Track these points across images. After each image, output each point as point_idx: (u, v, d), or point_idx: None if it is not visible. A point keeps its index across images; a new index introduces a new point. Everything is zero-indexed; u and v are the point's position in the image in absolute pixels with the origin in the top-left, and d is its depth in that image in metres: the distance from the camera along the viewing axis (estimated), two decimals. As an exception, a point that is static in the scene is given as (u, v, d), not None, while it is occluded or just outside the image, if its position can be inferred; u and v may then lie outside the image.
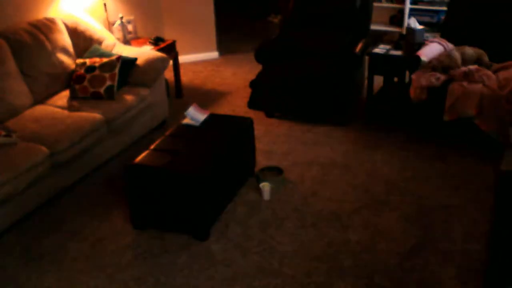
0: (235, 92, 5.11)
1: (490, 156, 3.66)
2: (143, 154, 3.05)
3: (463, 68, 3.75)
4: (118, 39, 4.60)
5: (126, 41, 4.67)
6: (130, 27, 4.88)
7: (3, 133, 3.17)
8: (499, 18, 4.05)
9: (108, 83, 3.78)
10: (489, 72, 3.67)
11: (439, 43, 4.09)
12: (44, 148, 3.16)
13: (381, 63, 4.13)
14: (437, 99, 3.71)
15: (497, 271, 2.41)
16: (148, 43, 4.74)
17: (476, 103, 3.56)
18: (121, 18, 4.71)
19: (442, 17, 5.39)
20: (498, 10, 4.07)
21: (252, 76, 5.04)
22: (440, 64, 3.79)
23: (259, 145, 3.99)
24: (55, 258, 2.88)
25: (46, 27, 3.95)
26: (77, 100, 3.80)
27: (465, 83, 3.61)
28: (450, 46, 4.15)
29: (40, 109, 3.69)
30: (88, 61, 3.91)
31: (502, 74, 3.66)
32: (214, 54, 6.20)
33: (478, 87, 3.57)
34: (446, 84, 3.67)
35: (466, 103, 3.60)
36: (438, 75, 3.75)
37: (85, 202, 3.39)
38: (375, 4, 5.80)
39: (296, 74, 4.27)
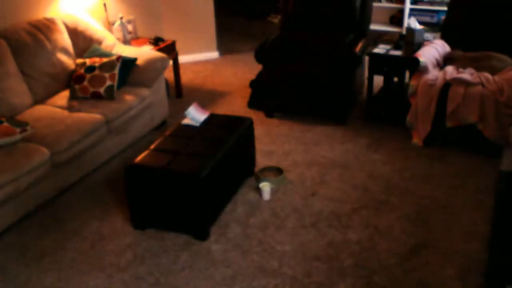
0: (235, 92, 5.12)
1: (490, 157, 3.66)
2: (143, 154, 3.05)
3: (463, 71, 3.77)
4: (118, 39, 4.60)
5: (126, 41, 4.67)
6: (130, 27, 4.88)
7: (18, 130, 3.17)
8: (500, 18, 4.05)
9: (108, 83, 3.78)
10: (488, 75, 3.67)
11: (438, 45, 4.09)
12: (45, 150, 3.16)
13: (381, 63, 4.13)
14: (439, 105, 3.72)
15: (497, 271, 2.41)
16: (148, 43, 4.74)
17: (477, 108, 3.56)
18: (121, 18, 4.71)
19: (442, 17, 5.40)
20: (499, 10, 4.07)
21: (252, 76, 5.04)
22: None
23: (259, 145, 3.99)
24: (55, 258, 2.88)
25: (46, 27, 3.95)
26: (77, 100, 3.80)
27: (464, 87, 3.60)
28: (447, 48, 4.15)
29: (40, 109, 3.69)
30: (88, 61, 3.91)
31: (499, 77, 3.65)
32: (214, 54, 6.20)
33: (478, 89, 3.57)
34: (446, 88, 3.67)
35: (467, 109, 3.60)
36: (436, 74, 3.77)
37: (85, 202, 3.39)
38: (375, 4, 5.81)
39: (296, 74, 4.27)
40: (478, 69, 3.79)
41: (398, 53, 4.12)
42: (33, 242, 3.01)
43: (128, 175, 2.95)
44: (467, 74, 3.67)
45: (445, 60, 4.01)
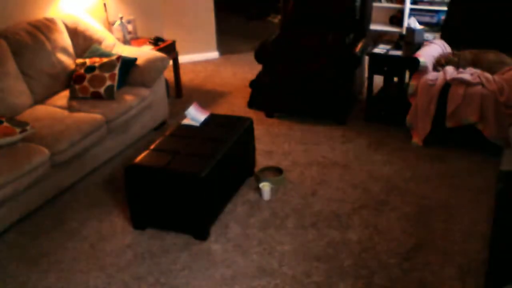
0: (235, 92, 5.12)
1: (490, 157, 3.66)
2: (143, 154, 3.05)
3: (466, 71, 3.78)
4: (118, 39, 4.60)
5: (126, 41, 4.67)
6: (130, 27, 4.88)
7: (18, 130, 3.16)
8: (499, 18, 4.05)
9: (108, 83, 3.78)
10: (488, 75, 3.67)
11: (438, 45, 4.09)
12: (45, 150, 3.16)
13: (381, 63, 4.13)
14: (438, 105, 3.72)
15: (497, 271, 2.41)
16: (148, 43, 4.74)
17: (477, 108, 3.56)
18: (121, 18, 4.71)
19: (442, 17, 5.40)
20: (498, 9, 4.07)
21: (252, 76, 5.05)
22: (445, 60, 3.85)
23: (259, 145, 3.99)
24: (55, 258, 2.88)
25: (46, 27, 3.95)
26: (77, 100, 3.80)
27: (464, 87, 3.60)
28: (448, 48, 4.15)
29: (40, 109, 3.69)
30: (88, 61, 3.91)
31: (499, 77, 3.65)
32: (214, 54, 6.20)
33: (478, 89, 3.57)
34: (446, 88, 3.67)
35: (467, 109, 3.60)
36: (436, 75, 3.77)
37: (85, 202, 3.39)
38: (375, 4, 5.81)
39: (296, 74, 4.27)
40: (476, 63, 3.78)
41: (398, 53, 4.12)
42: (33, 242, 3.01)
43: (128, 175, 2.94)
44: (467, 74, 3.67)
45: (441, 65, 3.97)
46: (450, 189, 3.37)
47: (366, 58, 4.52)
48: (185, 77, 5.48)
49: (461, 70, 3.78)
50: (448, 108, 3.66)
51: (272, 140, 4.11)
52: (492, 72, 3.73)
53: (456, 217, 3.09)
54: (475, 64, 3.86)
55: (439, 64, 3.90)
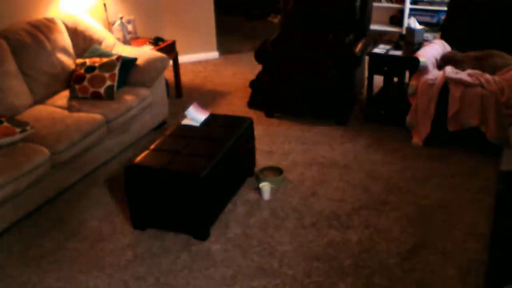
0: (235, 92, 5.12)
1: (490, 157, 3.66)
2: (143, 154, 3.05)
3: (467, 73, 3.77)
4: (118, 39, 4.60)
5: (126, 41, 4.67)
6: (130, 27, 4.88)
7: (18, 130, 3.16)
8: (499, 18, 4.05)
9: (108, 83, 3.78)
10: (488, 75, 3.66)
11: (438, 45, 4.09)
12: (45, 150, 3.16)
13: (381, 63, 4.13)
14: (438, 104, 3.72)
15: (497, 271, 2.41)
16: (148, 43, 4.74)
17: (478, 111, 3.56)
18: (121, 18, 4.71)
19: (442, 17, 5.41)
20: (499, 10, 4.07)
21: (252, 76, 5.05)
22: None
23: (259, 145, 3.99)
24: (55, 258, 2.88)
25: (46, 27, 3.95)
26: (77, 100, 3.80)
27: (462, 88, 3.60)
28: (448, 48, 4.15)
29: (40, 109, 3.69)
30: (88, 61, 3.92)
31: (499, 77, 3.65)
32: (214, 54, 6.20)
33: (478, 91, 3.56)
34: (446, 88, 3.67)
35: (468, 112, 3.59)
36: (436, 74, 3.77)
37: (85, 202, 3.39)
38: (375, 4, 5.82)
39: (296, 74, 4.27)
40: (483, 68, 3.77)
41: (398, 53, 4.12)
42: (33, 242, 3.01)
43: (128, 175, 2.94)
44: (464, 74, 3.66)
45: (447, 62, 3.97)
46: (450, 189, 3.37)
47: (366, 58, 4.52)
48: (185, 77, 5.48)
49: (458, 71, 3.75)
50: (449, 113, 3.66)
51: (272, 140, 4.11)
52: (495, 73, 3.73)
53: (456, 217, 3.09)
54: (479, 66, 3.82)
55: (444, 59, 3.86)
